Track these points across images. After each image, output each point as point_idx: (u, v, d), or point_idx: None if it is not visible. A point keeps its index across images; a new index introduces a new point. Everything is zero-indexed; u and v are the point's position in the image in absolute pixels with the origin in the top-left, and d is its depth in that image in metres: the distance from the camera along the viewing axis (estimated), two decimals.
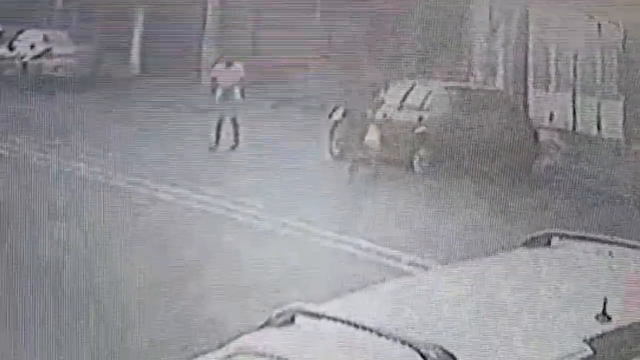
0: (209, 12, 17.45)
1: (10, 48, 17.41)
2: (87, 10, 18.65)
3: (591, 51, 9.37)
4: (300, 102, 13.46)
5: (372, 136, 10.68)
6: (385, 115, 11.74)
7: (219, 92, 13.02)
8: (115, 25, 17.58)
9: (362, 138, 10.77)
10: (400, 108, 11.69)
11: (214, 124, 12.42)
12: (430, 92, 11.49)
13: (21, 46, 17.48)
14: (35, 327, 4.95)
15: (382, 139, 10.80)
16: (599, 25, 9.15)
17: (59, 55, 17.33)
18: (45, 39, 17.65)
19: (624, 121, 9.23)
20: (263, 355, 3.32)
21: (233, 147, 12.59)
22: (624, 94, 9.11)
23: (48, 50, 17.31)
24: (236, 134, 12.63)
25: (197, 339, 4.55)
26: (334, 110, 12.04)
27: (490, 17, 11.22)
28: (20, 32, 17.55)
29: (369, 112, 11.49)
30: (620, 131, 8.87)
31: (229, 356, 3.38)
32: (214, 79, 13.33)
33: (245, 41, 15.45)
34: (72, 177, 8.65)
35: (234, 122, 12.65)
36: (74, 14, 19.31)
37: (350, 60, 13.34)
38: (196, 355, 3.47)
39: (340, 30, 14.12)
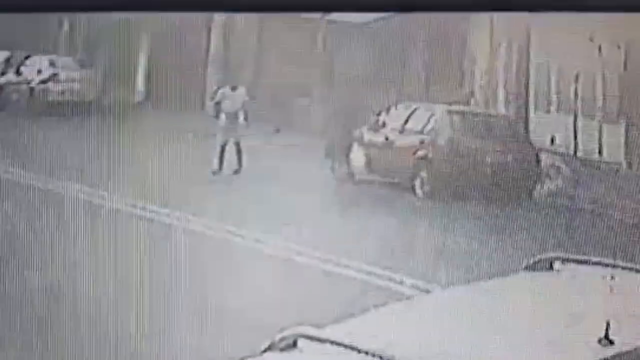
0: (213, 39, 17.55)
1: (18, 73, 17.61)
2: (93, 36, 18.82)
3: (592, 73, 9.33)
4: (301, 126, 13.49)
5: (356, 154, 10.75)
6: (387, 139, 11.73)
7: (222, 117, 13.03)
8: (120, 51, 17.76)
9: (347, 154, 10.86)
10: (402, 131, 11.68)
11: (217, 148, 12.42)
12: (431, 116, 11.49)
13: (28, 71, 17.69)
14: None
15: (369, 160, 10.87)
16: (600, 47, 9.13)
17: (65, 80, 17.50)
18: (52, 64, 17.87)
19: (626, 145, 9.19)
20: None
21: (236, 172, 12.58)
22: (625, 117, 9.08)
23: (55, 75, 17.50)
24: (239, 158, 12.61)
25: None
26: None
27: (491, 41, 11.22)
28: (27, 57, 17.77)
29: (357, 131, 11.54)
30: (622, 155, 8.84)
31: None
32: (217, 104, 13.34)
33: (248, 67, 15.52)
34: (74, 200, 8.67)
35: (238, 146, 12.63)
36: (80, 39, 19.48)
37: (352, 85, 13.38)
38: None
39: (342, 57, 14.18)
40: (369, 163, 10.93)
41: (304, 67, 14.18)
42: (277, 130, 14.12)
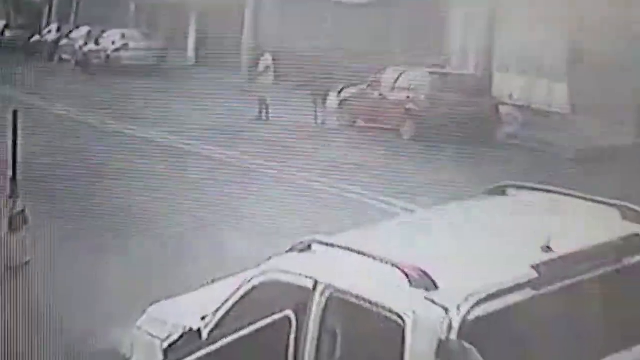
0: (246, 16, 17.87)
1: (97, 43, 18.22)
2: (154, 13, 19.54)
3: (542, 42, 9.36)
4: (314, 85, 13.63)
5: (331, 100, 10.97)
6: (381, 94, 11.83)
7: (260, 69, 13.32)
8: (174, 26, 18.38)
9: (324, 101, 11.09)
10: (392, 89, 11.75)
11: (252, 101, 12.61)
12: (416, 77, 11.53)
13: (105, 42, 18.28)
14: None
15: (342, 104, 11.15)
16: (552, 20, 9.14)
17: (133, 49, 17.99)
18: (123, 36, 18.40)
19: (569, 98, 9.21)
20: (287, 272, 3.39)
21: (266, 119, 12.86)
22: (569, 77, 9.06)
23: (125, 45, 18.05)
24: (267, 111, 12.84)
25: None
26: (342, 89, 12.16)
27: (464, 16, 11.23)
28: (104, 31, 18.38)
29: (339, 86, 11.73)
30: (566, 105, 8.83)
31: (264, 272, 3.45)
32: (256, 65, 13.61)
33: (273, 37, 15.61)
34: (141, 140, 8.70)
35: (265, 101, 12.87)
36: (143, 16, 20.09)
37: (357, 51, 13.40)
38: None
39: (347, 26, 14.23)
40: (340, 105, 11.17)
41: (314, 39, 14.23)
42: (295, 89, 14.21)
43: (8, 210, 5.04)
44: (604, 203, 3.44)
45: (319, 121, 11.68)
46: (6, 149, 5.13)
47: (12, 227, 5.02)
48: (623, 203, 3.37)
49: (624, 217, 3.33)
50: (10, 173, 5.13)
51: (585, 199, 3.47)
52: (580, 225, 3.31)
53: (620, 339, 3.03)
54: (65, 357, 4.08)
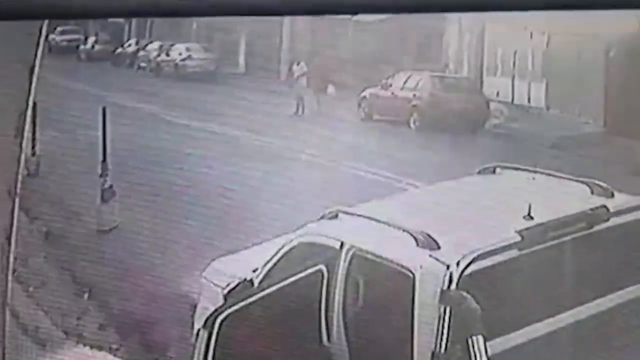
0: (283, 31, 17.74)
1: (167, 55, 18.29)
2: (211, 31, 19.45)
3: (525, 50, 9.26)
4: (339, 87, 13.46)
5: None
6: (393, 93, 11.75)
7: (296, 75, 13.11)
8: (228, 39, 18.23)
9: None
10: (402, 89, 11.67)
11: (292, 103, 12.42)
12: (420, 79, 11.42)
13: (173, 53, 18.32)
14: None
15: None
16: (531, 33, 9.03)
17: (196, 59, 18.01)
18: (187, 49, 18.40)
19: (545, 95, 9.11)
20: (319, 235, 3.39)
21: (301, 114, 12.75)
22: (546, 78, 8.96)
23: (189, 56, 18.06)
24: (303, 108, 12.72)
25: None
26: (362, 91, 12.09)
27: (459, 31, 11.10)
28: (172, 45, 18.45)
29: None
30: (543, 102, 8.72)
31: (301, 235, 3.47)
32: (292, 73, 13.41)
33: (306, 48, 15.48)
34: (202, 131, 8.70)
35: (302, 100, 12.74)
36: (203, 33, 20.01)
37: (372, 59, 13.25)
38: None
39: (364, 39, 14.05)
40: (360, 103, 11.05)
41: (339, 50, 14.10)
42: (322, 90, 14.05)
43: (100, 185, 5.10)
44: (576, 180, 3.39)
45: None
46: (97, 138, 5.18)
47: (103, 199, 5.08)
48: (592, 180, 3.32)
49: (593, 192, 3.29)
50: (101, 157, 5.18)
51: (560, 177, 3.43)
52: (556, 198, 3.28)
53: (589, 292, 3.01)
54: (147, 301, 4.14)
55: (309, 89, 11.64)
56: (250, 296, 3.37)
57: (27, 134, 4.56)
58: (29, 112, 4.23)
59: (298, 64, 15.51)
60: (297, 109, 13.17)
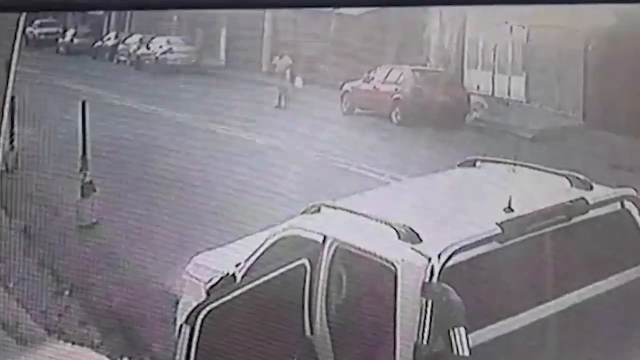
0: (265, 25, 17.64)
1: (147, 48, 18.14)
2: (192, 24, 19.33)
3: (505, 43, 9.29)
4: (321, 80, 13.43)
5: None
6: (374, 87, 11.76)
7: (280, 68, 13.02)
8: (209, 32, 18.13)
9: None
10: (384, 82, 11.67)
11: (272, 93, 12.39)
12: (402, 73, 11.44)
13: (154, 46, 18.18)
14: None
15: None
16: (511, 27, 9.09)
17: (176, 52, 17.88)
18: (168, 42, 18.24)
19: (525, 88, 9.15)
20: (302, 228, 3.39)
21: (284, 108, 12.74)
22: (526, 71, 9.01)
23: (170, 49, 17.92)
24: (286, 101, 12.71)
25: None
26: (343, 84, 12.06)
27: (440, 23, 11.12)
28: (153, 38, 18.27)
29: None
30: (523, 95, 8.77)
31: (284, 229, 3.47)
32: (274, 66, 13.31)
33: (289, 42, 15.44)
34: (182, 124, 8.64)
35: (285, 92, 12.73)
36: (184, 26, 19.86)
37: (354, 52, 13.25)
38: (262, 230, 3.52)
39: (346, 32, 14.06)
40: (342, 96, 11.03)
41: (321, 43, 14.06)
42: (305, 83, 14.04)
43: (80, 180, 5.05)
44: (555, 173, 3.43)
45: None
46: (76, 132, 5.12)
47: (83, 194, 5.04)
48: (571, 173, 3.36)
49: (572, 184, 3.33)
50: (80, 151, 5.13)
51: (539, 169, 3.46)
52: (536, 190, 3.31)
53: (570, 282, 3.05)
54: (129, 297, 4.11)
55: (292, 83, 11.64)
56: (233, 291, 3.38)
57: (4, 128, 4.49)
58: (7, 107, 4.17)
59: (281, 57, 15.54)
60: (280, 101, 13.20)
